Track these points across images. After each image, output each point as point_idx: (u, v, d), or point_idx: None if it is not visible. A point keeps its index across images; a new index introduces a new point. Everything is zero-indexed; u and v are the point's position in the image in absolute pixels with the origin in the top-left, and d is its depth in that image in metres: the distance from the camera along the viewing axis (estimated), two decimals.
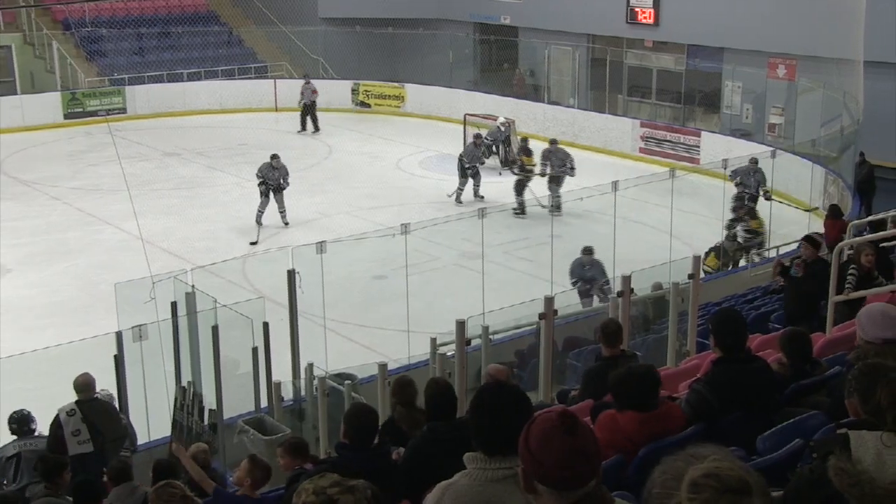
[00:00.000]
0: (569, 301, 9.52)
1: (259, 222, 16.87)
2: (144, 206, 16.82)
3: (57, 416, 7.69)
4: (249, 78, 27.06)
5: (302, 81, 25.57)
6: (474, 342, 8.98)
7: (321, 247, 10.59)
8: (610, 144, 22.87)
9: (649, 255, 13.41)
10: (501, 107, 22.60)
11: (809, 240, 9.09)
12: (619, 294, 8.49)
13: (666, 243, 14.21)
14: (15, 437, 7.63)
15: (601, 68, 25.50)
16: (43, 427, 7.85)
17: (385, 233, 12.67)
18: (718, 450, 2.22)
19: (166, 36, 28.81)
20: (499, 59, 29.23)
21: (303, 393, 9.51)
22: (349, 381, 8.84)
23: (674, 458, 2.22)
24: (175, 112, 26.18)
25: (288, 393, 9.63)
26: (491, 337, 9.26)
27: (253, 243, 16.20)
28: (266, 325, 9.40)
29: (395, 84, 27.55)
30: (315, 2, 28.84)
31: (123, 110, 26.46)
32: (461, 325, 8.55)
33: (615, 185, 13.49)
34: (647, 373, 4.61)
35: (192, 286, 9.53)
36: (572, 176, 17.79)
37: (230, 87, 26.80)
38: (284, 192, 17.15)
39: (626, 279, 8.93)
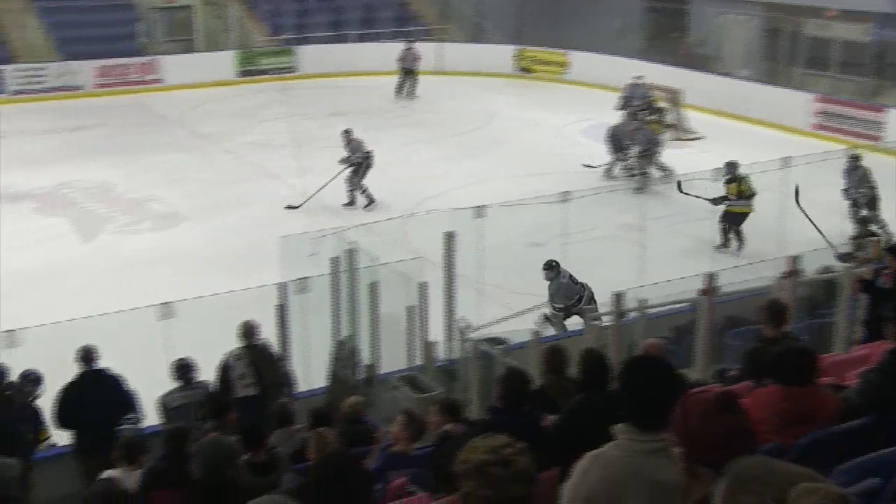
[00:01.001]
0: (731, 279, 9.21)
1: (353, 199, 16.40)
2: (309, 164, 17.33)
3: (226, 360, 8.05)
4: (412, 41, 27.27)
5: (403, 45, 25.49)
6: (629, 315, 8.86)
7: (480, 211, 10.64)
8: (781, 119, 21.93)
9: (817, 235, 12.87)
10: (668, 77, 21.97)
11: (894, 251, 8.55)
12: (787, 275, 8.18)
13: (837, 225, 13.61)
14: (177, 384, 8.00)
15: (777, 39, 24.43)
16: (205, 372, 8.21)
17: (543, 200, 12.60)
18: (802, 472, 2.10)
19: None
20: (667, 28, 28.42)
21: (455, 354, 9.61)
22: (501, 346, 8.89)
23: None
24: (341, 73, 26.72)
25: (441, 353, 9.76)
26: (646, 310, 9.09)
27: (291, 207, 15.98)
28: (423, 284, 9.53)
29: (559, 50, 27.23)
30: None
31: (293, 69, 27.23)
32: (618, 296, 8.46)
33: (786, 160, 12.98)
34: (804, 350, 4.53)
35: (354, 243, 9.75)
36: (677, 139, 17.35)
37: (394, 49, 27.08)
38: (355, 170, 16.25)
39: (793, 259, 8.61)
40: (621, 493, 2.90)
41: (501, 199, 12.31)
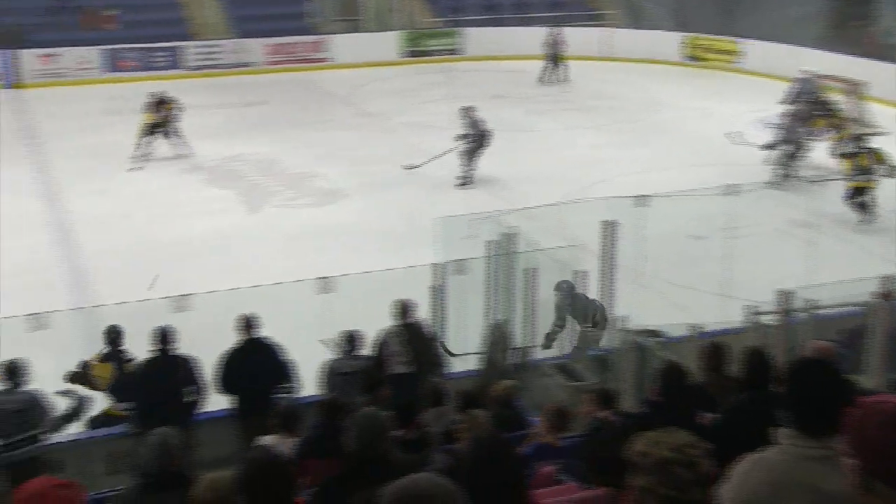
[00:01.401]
0: None
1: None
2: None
3: (382, 336, 8.17)
4: (579, 26, 26.95)
5: (547, 30, 25.01)
6: (794, 315, 8.49)
7: (641, 200, 10.42)
8: None
9: None
10: (850, 68, 20.89)
11: None
12: None
13: None
14: (341, 354, 8.15)
15: None
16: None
17: (708, 192, 12.24)
18: None
19: None
20: (850, 16, 27.05)
21: (610, 344, 9.44)
22: (657, 339, 8.68)
23: None
24: (506, 56, 26.66)
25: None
26: (814, 311, 8.69)
27: (411, 166, 16.57)
28: (580, 272, 9.40)
29: (729, 38, 26.37)
30: None
31: (458, 51, 27.38)
32: (785, 294, 8.12)
33: None
34: None
35: (513, 227, 9.70)
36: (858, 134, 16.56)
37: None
38: (470, 147, 16.25)
39: None
40: (784, 499, 2.77)
41: (667, 189, 12.03)
